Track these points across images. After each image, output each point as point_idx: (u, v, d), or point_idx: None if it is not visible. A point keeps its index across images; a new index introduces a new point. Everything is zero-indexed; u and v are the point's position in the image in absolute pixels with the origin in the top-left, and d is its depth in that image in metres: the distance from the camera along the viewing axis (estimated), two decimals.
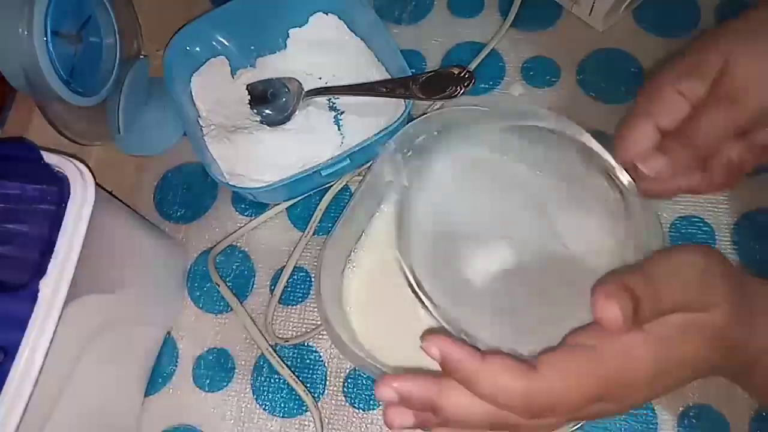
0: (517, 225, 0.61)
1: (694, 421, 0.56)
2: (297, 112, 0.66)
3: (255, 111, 0.67)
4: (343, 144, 0.65)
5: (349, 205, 0.58)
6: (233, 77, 0.69)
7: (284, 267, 0.64)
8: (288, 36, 0.69)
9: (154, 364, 0.62)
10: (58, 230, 0.44)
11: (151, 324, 0.62)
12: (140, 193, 0.69)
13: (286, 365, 0.60)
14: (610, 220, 0.60)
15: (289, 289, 0.64)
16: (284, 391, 0.60)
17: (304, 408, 0.60)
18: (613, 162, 0.57)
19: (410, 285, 0.49)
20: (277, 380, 0.61)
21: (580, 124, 0.65)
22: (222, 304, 0.64)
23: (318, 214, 0.65)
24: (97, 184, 0.47)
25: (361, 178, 0.63)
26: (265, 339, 0.61)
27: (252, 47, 0.69)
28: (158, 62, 0.66)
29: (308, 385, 0.60)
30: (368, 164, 0.64)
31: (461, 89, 0.56)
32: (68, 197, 0.45)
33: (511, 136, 0.60)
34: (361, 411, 0.59)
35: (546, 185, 0.62)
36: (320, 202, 0.66)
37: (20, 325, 0.41)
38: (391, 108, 0.63)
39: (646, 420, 0.56)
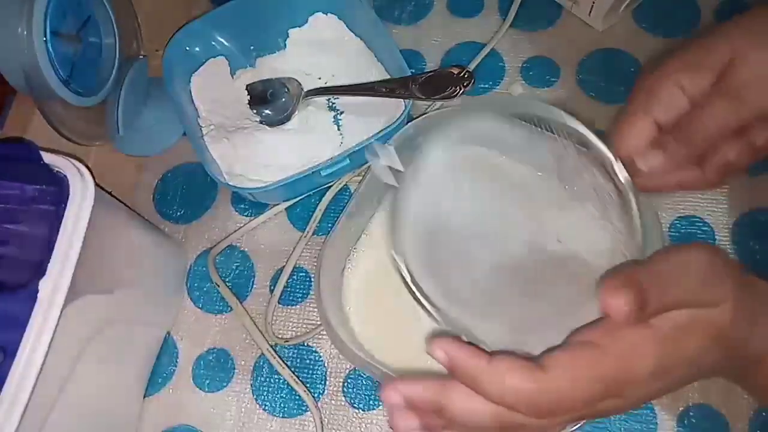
0: (514, 223, 0.61)
1: (694, 421, 0.56)
2: (296, 113, 0.66)
3: (254, 111, 0.67)
4: (343, 144, 0.65)
5: (348, 205, 0.58)
6: (233, 77, 0.69)
7: (284, 267, 0.64)
8: (287, 36, 0.69)
9: (154, 364, 0.63)
10: (58, 230, 0.44)
11: (151, 324, 0.62)
12: (140, 193, 0.69)
13: (287, 365, 0.60)
14: (609, 219, 0.60)
15: (288, 289, 0.64)
16: (284, 391, 0.60)
17: (303, 408, 0.60)
18: (611, 158, 0.57)
19: (408, 287, 0.49)
20: (277, 380, 0.61)
21: None
22: (222, 304, 0.64)
23: (318, 214, 0.65)
24: (96, 184, 0.47)
25: (360, 178, 0.63)
26: (265, 339, 0.61)
27: (251, 47, 0.70)
28: (158, 62, 0.66)
29: (308, 385, 0.60)
30: (368, 164, 0.64)
31: (461, 89, 0.56)
32: (68, 197, 0.45)
33: (509, 133, 0.60)
34: (360, 411, 0.59)
35: (544, 183, 0.62)
36: (320, 202, 0.66)
37: (20, 325, 0.41)
38: (391, 108, 0.63)
39: (646, 420, 0.56)
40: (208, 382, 0.62)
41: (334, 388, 0.60)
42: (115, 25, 0.63)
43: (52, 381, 0.44)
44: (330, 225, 0.65)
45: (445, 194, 0.63)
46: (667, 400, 0.56)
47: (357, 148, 0.60)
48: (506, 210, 0.62)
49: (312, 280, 0.64)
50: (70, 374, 0.47)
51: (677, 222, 0.62)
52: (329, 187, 0.66)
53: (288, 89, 0.66)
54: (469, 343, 0.44)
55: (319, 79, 0.68)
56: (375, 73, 0.66)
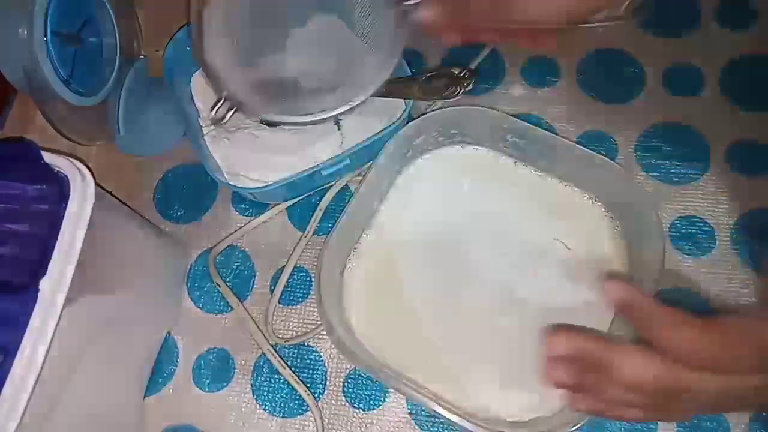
0: (517, 224, 0.62)
1: (695, 421, 0.56)
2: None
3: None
4: (343, 144, 0.65)
5: (349, 205, 0.58)
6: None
7: (284, 267, 0.64)
8: (288, 36, 0.69)
9: (155, 364, 0.63)
10: (58, 230, 0.44)
11: (151, 324, 0.62)
12: (140, 193, 0.69)
13: (287, 365, 0.60)
14: (610, 220, 0.60)
15: (289, 289, 0.64)
16: (284, 391, 0.60)
17: (304, 408, 0.60)
18: (611, 163, 0.57)
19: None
20: (277, 380, 0.61)
21: (579, 124, 0.66)
22: (222, 304, 0.64)
23: (318, 214, 0.65)
24: (97, 184, 0.47)
25: (361, 178, 0.63)
26: (266, 339, 0.61)
27: (252, 47, 0.69)
28: (158, 62, 0.66)
29: (308, 385, 0.60)
30: (368, 164, 0.64)
31: (461, 89, 0.56)
32: (68, 197, 0.45)
33: (510, 135, 0.61)
34: (361, 411, 0.59)
35: (546, 185, 0.62)
36: (320, 202, 0.66)
37: (20, 325, 0.41)
38: (391, 108, 0.63)
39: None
40: (208, 381, 0.62)
41: (335, 388, 0.60)
42: (115, 25, 0.64)
43: (53, 381, 0.44)
44: (330, 225, 0.65)
45: (449, 195, 0.63)
46: None
47: (357, 148, 0.60)
48: (509, 212, 0.62)
49: (312, 280, 0.64)
50: (70, 374, 0.47)
51: (677, 222, 0.62)
52: (330, 186, 0.66)
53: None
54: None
55: (320, 78, 0.68)
56: None
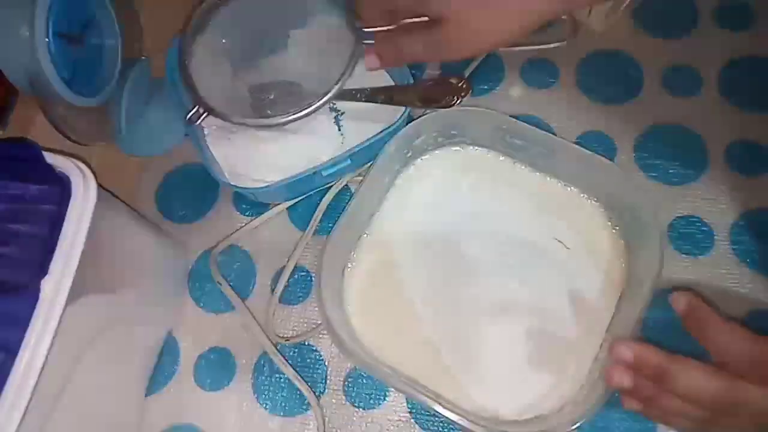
0: (516, 224, 0.62)
1: None
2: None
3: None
4: (344, 144, 0.65)
5: (349, 205, 0.58)
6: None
7: (285, 266, 0.64)
8: (289, 37, 0.69)
9: (155, 364, 0.63)
10: (60, 230, 0.44)
11: (152, 323, 0.62)
12: (142, 193, 0.69)
13: (289, 364, 0.61)
14: (609, 220, 0.61)
15: (289, 288, 0.64)
16: (285, 390, 0.61)
17: (304, 407, 0.60)
18: (610, 163, 0.57)
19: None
20: (278, 379, 0.61)
21: (579, 124, 0.66)
22: (223, 303, 0.64)
23: (318, 214, 0.65)
24: (98, 184, 0.47)
25: (361, 178, 0.63)
26: (268, 337, 0.62)
27: (252, 48, 0.70)
28: (160, 63, 0.66)
29: (309, 384, 0.60)
30: (368, 164, 0.64)
31: (458, 99, 0.57)
32: (70, 197, 0.45)
33: (509, 136, 0.61)
34: (361, 410, 0.60)
35: (545, 185, 0.63)
36: (321, 202, 0.66)
37: (21, 324, 0.41)
38: (391, 109, 0.63)
39: (646, 420, 0.56)
40: (209, 381, 0.62)
41: (335, 387, 0.61)
42: (117, 26, 0.64)
43: (54, 380, 0.45)
44: (331, 225, 0.65)
45: (449, 195, 0.63)
46: None
47: (358, 149, 0.60)
48: (509, 212, 0.62)
49: (313, 279, 0.64)
50: (71, 373, 0.47)
51: (676, 222, 0.62)
52: (330, 186, 0.66)
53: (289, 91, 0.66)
54: None
55: (320, 79, 0.68)
56: (376, 73, 0.66)
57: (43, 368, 0.42)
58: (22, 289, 0.42)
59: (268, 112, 0.62)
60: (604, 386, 0.50)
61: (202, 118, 0.57)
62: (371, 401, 0.60)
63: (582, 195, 0.62)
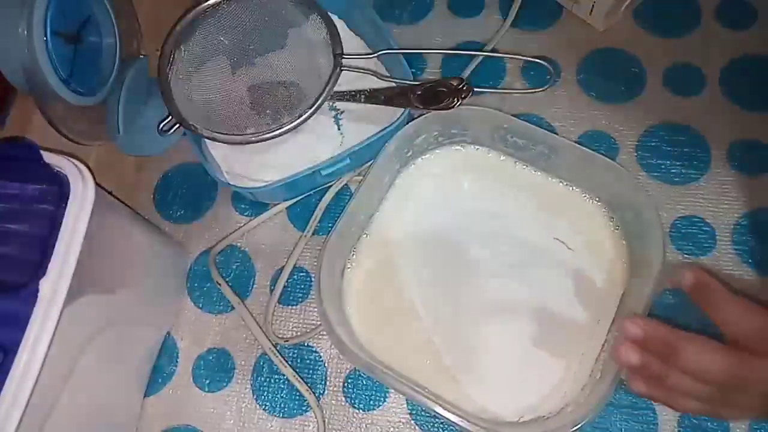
0: (517, 224, 0.62)
1: (694, 420, 0.56)
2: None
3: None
4: (343, 144, 0.65)
5: (349, 204, 0.58)
6: (233, 77, 0.69)
7: (284, 267, 0.64)
8: (287, 36, 0.69)
9: (154, 364, 0.63)
10: (58, 230, 0.44)
11: (151, 324, 0.62)
12: (140, 193, 0.69)
13: (289, 365, 0.60)
14: (610, 220, 0.60)
15: (288, 288, 0.64)
16: (284, 391, 0.60)
17: (303, 408, 0.60)
18: (611, 163, 0.57)
19: None
20: (277, 380, 0.61)
21: (580, 124, 0.66)
22: (222, 304, 0.64)
23: (318, 213, 0.65)
24: (97, 183, 0.47)
25: (361, 177, 0.63)
26: (267, 338, 0.61)
27: (252, 47, 0.69)
28: (158, 62, 0.66)
29: (308, 384, 0.60)
30: (368, 164, 0.64)
31: (458, 101, 0.57)
32: (68, 197, 0.45)
33: (510, 135, 0.61)
34: (361, 411, 0.59)
35: (546, 185, 0.62)
36: (320, 201, 0.66)
37: (20, 324, 0.41)
38: (391, 108, 0.63)
39: (646, 420, 0.56)
40: (208, 382, 0.62)
41: (335, 388, 0.60)
42: (115, 25, 0.63)
43: (53, 381, 0.44)
44: (330, 225, 0.65)
45: (449, 195, 0.63)
46: None
47: (357, 148, 0.60)
48: (511, 211, 0.62)
49: (312, 279, 0.64)
50: (70, 374, 0.47)
51: (678, 222, 0.62)
52: (329, 186, 0.66)
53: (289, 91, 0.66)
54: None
55: (319, 78, 0.68)
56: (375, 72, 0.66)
57: (41, 368, 0.42)
58: (20, 289, 0.42)
59: (244, 126, 0.62)
60: (605, 387, 0.50)
61: (174, 128, 0.58)
62: (371, 402, 0.60)
63: (583, 195, 0.61)
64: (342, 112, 0.67)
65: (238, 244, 0.66)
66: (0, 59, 0.54)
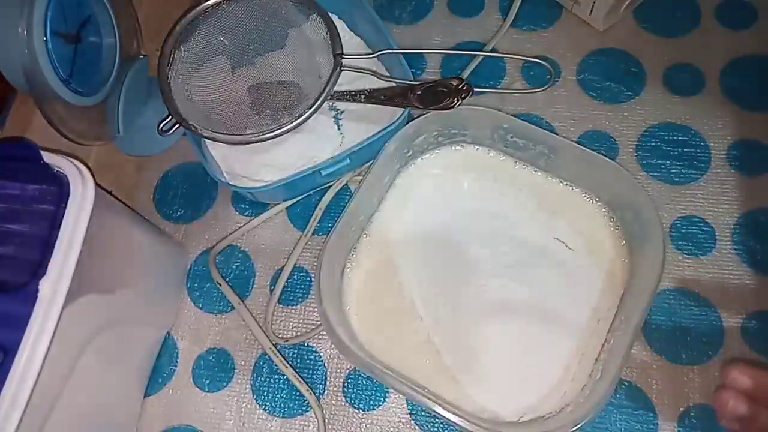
0: (517, 224, 0.62)
1: (694, 421, 0.56)
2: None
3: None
4: (343, 144, 0.65)
5: (349, 204, 0.58)
6: (233, 77, 0.69)
7: (284, 267, 0.64)
8: (288, 36, 0.69)
9: (154, 364, 0.63)
10: (58, 230, 0.44)
11: (151, 324, 0.62)
12: (140, 193, 0.69)
13: (290, 365, 0.60)
14: (610, 219, 0.60)
15: (288, 289, 0.64)
16: (284, 391, 0.60)
17: (303, 408, 0.60)
18: (611, 163, 0.57)
19: None
20: (277, 380, 0.61)
21: (580, 124, 0.66)
22: (222, 304, 0.64)
23: (318, 213, 0.65)
24: (96, 183, 0.47)
25: (361, 177, 0.63)
26: (267, 338, 0.61)
27: (252, 47, 0.69)
28: (158, 62, 0.66)
29: (308, 384, 0.60)
30: (368, 164, 0.64)
31: (458, 101, 0.57)
32: (68, 197, 0.45)
33: (510, 135, 0.61)
34: (361, 411, 0.59)
35: (546, 185, 0.62)
36: (320, 201, 0.66)
37: (20, 324, 0.41)
38: (391, 108, 0.63)
39: (646, 420, 0.56)
40: (208, 382, 0.62)
41: (335, 389, 0.60)
42: (115, 25, 0.63)
43: (52, 381, 0.44)
44: (330, 225, 0.65)
45: (449, 195, 0.63)
46: (668, 400, 0.56)
47: (357, 148, 0.60)
48: (510, 211, 0.62)
49: (312, 279, 0.64)
50: (70, 374, 0.47)
51: (678, 222, 0.62)
52: (329, 186, 0.66)
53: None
54: None
55: (319, 78, 0.68)
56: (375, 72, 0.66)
57: (41, 369, 0.41)
58: (20, 289, 0.42)
59: (244, 126, 0.62)
60: (605, 387, 0.50)
61: (174, 128, 0.58)
62: (371, 402, 0.60)
63: (583, 195, 0.61)
64: (342, 112, 0.67)
65: (238, 244, 0.66)
66: (0, 59, 0.54)
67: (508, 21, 0.70)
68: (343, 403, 0.60)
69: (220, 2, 0.59)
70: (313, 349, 0.62)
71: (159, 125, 0.58)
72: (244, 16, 0.61)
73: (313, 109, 0.58)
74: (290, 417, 0.60)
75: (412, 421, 0.59)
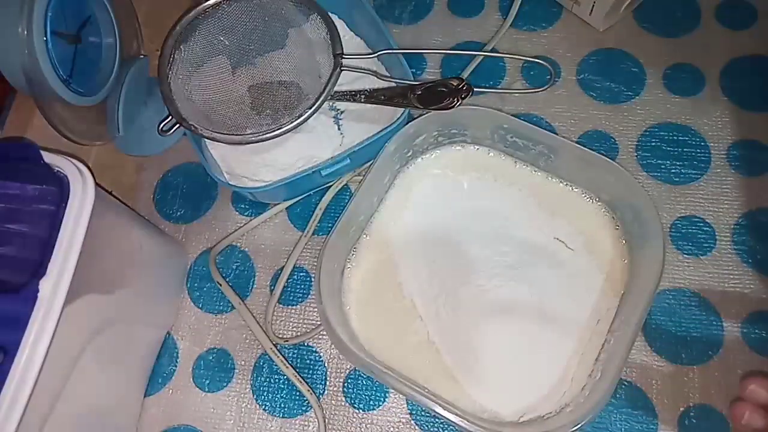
0: (517, 224, 0.62)
1: (694, 421, 0.56)
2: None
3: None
4: (343, 144, 0.65)
5: (349, 204, 0.58)
6: (233, 77, 0.69)
7: (284, 267, 0.64)
8: (287, 36, 0.69)
9: (155, 364, 0.63)
10: (58, 230, 0.44)
11: (151, 324, 0.62)
12: (140, 193, 0.69)
13: (290, 365, 0.60)
14: (610, 219, 0.60)
15: (288, 289, 0.64)
16: (284, 391, 0.60)
17: (304, 408, 0.60)
18: (611, 163, 0.57)
19: None
20: (277, 380, 0.61)
21: (580, 124, 0.66)
22: (222, 304, 0.64)
23: (318, 213, 0.65)
24: (96, 183, 0.47)
25: (360, 177, 0.63)
26: (268, 338, 0.61)
27: (252, 47, 0.69)
28: (158, 62, 0.66)
29: (308, 384, 0.60)
30: (368, 164, 0.64)
31: (458, 101, 0.57)
32: (68, 197, 0.45)
33: (510, 135, 0.61)
34: (361, 411, 0.59)
35: (546, 185, 0.62)
36: (320, 201, 0.66)
37: (20, 325, 0.41)
38: (391, 108, 0.63)
39: (646, 420, 0.56)
40: (208, 382, 0.62)
41: (335, 389, 0.60)
42: (115, 25, 0.63)
43: (52, 381, 0.44)
44: (330, 225, 0.65)
45: (449, 196, 0.63)
46: (668, 400, 0.56)
47: (357, 148, 0.60)
48: (510, 212, 0.62)
49: (312, 279, 0.64)
50: (70, 374, 0.47)
51: (678, 222, 0.62)
52: (329, 186, 0.66)
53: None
54: None
55: (319, 78, 0.68)
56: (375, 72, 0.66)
57: (41, 368, 0.41)
58: (20, 289, 0.42)
59: (244, 126, 0.62)
60: (605, 387, 0.50)
61: (174, 128, 0.58)
62: (371, 403, 0.60)
63: (583, 195, 0.61)
64: (342, 112, 0.67)
65: (238, 244, 0.66)
66: (0, 59, 0.54)
67: (508, 21, 0.70)
68: (343, 403, 0.60)
69: (220, 2, 0.59)
70: (313, 349, 0.62)
71: (159, 125, 0.58)
72: (244, 16, 0.61)
73: (313, 109, 0.58)
74: (290, 417, 0.60)
75: (412, 421, 0.59)
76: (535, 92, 0.65)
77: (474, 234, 0.62)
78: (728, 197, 0.62)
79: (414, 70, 0.63)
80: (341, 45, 0.60)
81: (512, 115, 0.59)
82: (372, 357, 0.55)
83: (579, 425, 0.49)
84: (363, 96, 0.60)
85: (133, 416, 0.60)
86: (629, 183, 0.56)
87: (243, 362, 0.62)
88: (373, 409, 0.59)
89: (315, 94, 0.59)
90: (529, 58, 0.63)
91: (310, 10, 0.61)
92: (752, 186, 0.62)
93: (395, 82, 0.62)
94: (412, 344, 0.59)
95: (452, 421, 0.50)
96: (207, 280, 0.65)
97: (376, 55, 0.61)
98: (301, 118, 0.58)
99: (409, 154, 0.63)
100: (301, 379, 0.60)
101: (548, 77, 0.62)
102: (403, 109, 0.61)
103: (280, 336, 0.62)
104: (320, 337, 0.62)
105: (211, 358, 0.62)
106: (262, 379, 0.61)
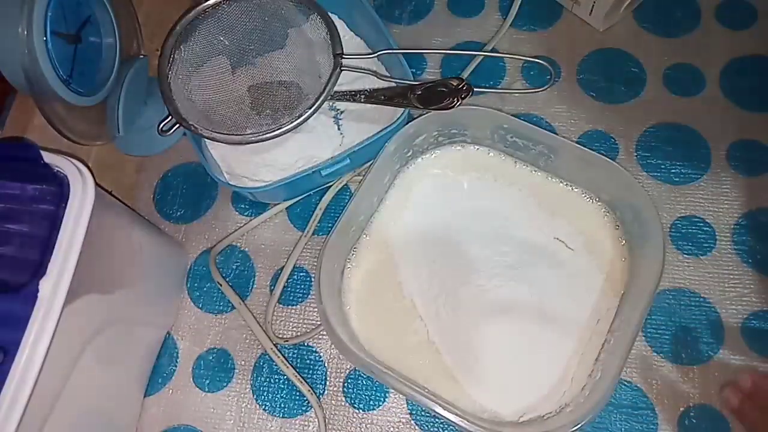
0: (517, 223, 0.62)
1: (694, 421, 0.56)
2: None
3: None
4: (343, 144, 0.65)
5: (349, 204, 0.58)
6: (233, 77, 0.69)
7: (284, 267, 0.64)
8: (287, 36, 0.69)
9: (155, 364, 0.62)
10: (58, 230, 0.44)
11: (151, 324, 0.62)
12: (140, 193, 0.69)
13: (291, 364, 0.60)
14: (610, 219, 0.60)
15: (288, 289, 0.64)
16: (284, 391, 0.60)
17: (303, 408, 0.60)
18: (611, 163, 0.57)
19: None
20: (277, 380, 0.61)
21: (580, 124, 0.66)
22: (222, 304, 0.64)
23: (318, 213, 0.65)
24: (96, 183, 0.47)
25: (360, 177, 0.63)
26: (268, 338, 0.61)
27: (252, 47, 0.69)
28: (158, 62, 0.66)
29: (309, 384, 0.60)
30: (368, 164, 0.64)
31: (458, 101, 0.57)
32: (68, 197, 0.45)
33: (510, 135, 0.61)
34: (361, 411, 0.59)
35: (546, 185, 0.62)
36: (320, 201, 0.66)
37: (20, 324, 0.41)
38: (391, 108, 0.63)
39: (646, 420, 0.56)
40: (208, 382, 0.62)
41: (335, 388, 0.60)
42: (115, 25, 0.63)
43: (52, 381, 0.44)
44: (330, 225, 0.65)
45: (449, 196, 0.63)
46: (668, 400, 0.57)
47: (357, 148, 0.60)
48: (510, 212, 0.62)
49: (312, 279, 0.64)
50: (70, 374, 0.47)
51: (678, 222, 0.62)
52: (329, 186, 0.66)
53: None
54: None
55: (320, 78, 0.68)
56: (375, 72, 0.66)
57: (41, 368, 0.41)
58: (20, 289, 0.42)
59: (244, 126, 0.62)
60: (605, 387, 0.50)
61: (174, 128, 0.58)
62: (371, 402, 0.60)
63: (583, 195, 0.61)
64: (342, 112, 0.67)
65: (238, 244, 0.66)
66: (0, 59, 0.54)
67: (508, 21, 0.70)
68: (343, 403, 0.60)
69: (220, 2, 0.59)
70: (313, 349, 0.62)
71: (159, 125, 0.58)
72: (244, 16, 0.61)
73: (313, 109, 0.58)
74: (290, 417, 0.60)
75: (412, 421, 0.59)
76: (535, 92, 0.65)
77: (474, 234, 0.62)
78: (728, 197, 0.62)
79: (414, 70, 0.63)
80: (341, 45, 0.60)
81: (512, 115, 0.59)
82: (372, 357, 0.55)
83: (579, 425, 0.49)
84: (363, 96, 0.60)
85: (133, 416, 0.60)
86: (629, 183, 0.56)
87: (243, 362, 0.62)
88: (373, 409, 0.59)
89: (315, 94, 0.59)
90: (529, 58, 0.63)
91: (310, 10, 0.61)
92: (752, 186, 0.62)
93: (395, 82, 0.62)
94: (412, 344, 0.59)
95: (452, 421, 0.50)
96: (207, 280, 0.65)
97: (376, 55, 0.61)
98: (301, 118, 0.58)
99: (409, 154, 0.63)
100: (301, 379, 0.60)
101: (548, 77, 0.62)
102: (403, 109, 0.61)
103: (280, 336, 0.62)
104: (320, 337, 0.62)
105: (211, 358, 0.62)
106: (262, 379, 0.61)
